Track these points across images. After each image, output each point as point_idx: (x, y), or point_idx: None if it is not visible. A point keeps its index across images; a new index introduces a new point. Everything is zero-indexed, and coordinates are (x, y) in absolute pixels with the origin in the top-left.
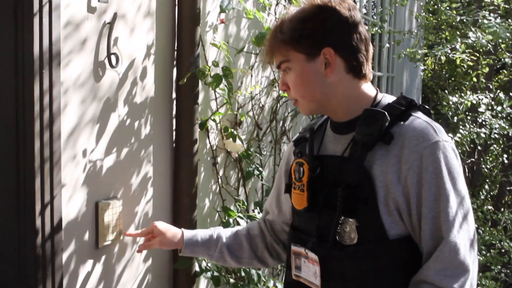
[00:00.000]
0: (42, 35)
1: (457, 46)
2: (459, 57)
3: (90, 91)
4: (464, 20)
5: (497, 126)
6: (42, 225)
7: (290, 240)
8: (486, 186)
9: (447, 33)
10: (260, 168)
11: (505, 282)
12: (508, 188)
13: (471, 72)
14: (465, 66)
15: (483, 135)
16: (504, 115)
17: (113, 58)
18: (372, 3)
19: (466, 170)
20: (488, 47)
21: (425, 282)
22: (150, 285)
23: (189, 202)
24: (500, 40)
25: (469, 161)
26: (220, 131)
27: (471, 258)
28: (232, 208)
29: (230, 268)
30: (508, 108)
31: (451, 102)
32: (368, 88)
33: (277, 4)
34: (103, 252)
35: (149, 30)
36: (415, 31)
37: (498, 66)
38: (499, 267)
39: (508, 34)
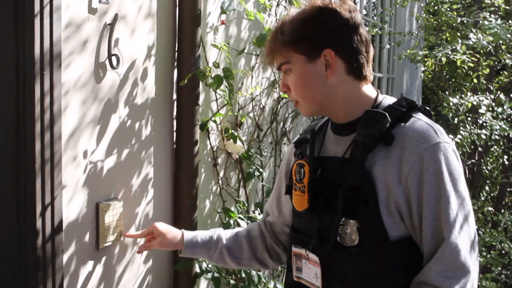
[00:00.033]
0: (43, 36)
1: (458, 47)
2: (460, 58)
3: (91, 92)
4: (465, 21)
5: (497, 127)
6: (43, 226)
7: (290, 242)
8: (487, 187)
9: (447, 34)
10: (261, 169)
11: (506, 283)
12: (508, 189)
13: (472, 73)
14: (466, 67)
15: (483, 137)
16: (505, 117)
17: (113, 59)
18: (373, 4)
19: (467, 171)
20: (489, 48)
21: (426, 284)
22: (151, 286)
23: (190, 203)
24: (500, 41)
25: (469, 162)
26: (221, 132)
27: (472, 260)
28: (232, 209)
29: (231, 269)
30: (509, 110)
31: (451, 103)
32: (368, 89)
33: (277, 5)
34: (104, 253)
35: (150, 31)
36: (416, 32)
37: (498, 67)
38: (500, 268)
39: (508, 35)
